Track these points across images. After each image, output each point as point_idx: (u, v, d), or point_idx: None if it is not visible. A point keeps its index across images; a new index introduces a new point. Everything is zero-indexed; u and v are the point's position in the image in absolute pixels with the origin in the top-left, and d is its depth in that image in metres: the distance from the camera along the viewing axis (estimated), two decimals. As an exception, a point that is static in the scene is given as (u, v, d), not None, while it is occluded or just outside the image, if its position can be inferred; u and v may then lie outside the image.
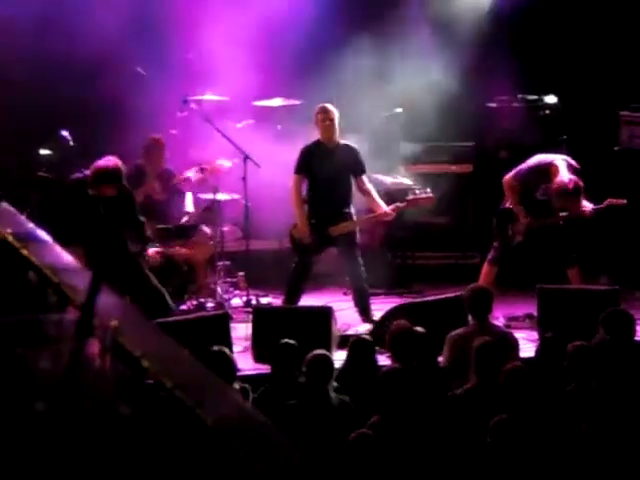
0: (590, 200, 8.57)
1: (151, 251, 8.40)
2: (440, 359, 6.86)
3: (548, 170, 8.46)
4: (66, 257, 2.52)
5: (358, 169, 8.65)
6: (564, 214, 8.59)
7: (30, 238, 2.56)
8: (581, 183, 8.33)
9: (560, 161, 8.48)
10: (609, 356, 6.22)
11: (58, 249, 2.69)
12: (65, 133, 8.07)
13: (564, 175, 8.32)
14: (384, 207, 8.62)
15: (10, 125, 9.01)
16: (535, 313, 8.16)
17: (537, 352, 6.72)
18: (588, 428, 5.41)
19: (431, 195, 8.72)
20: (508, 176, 8.67)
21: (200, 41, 10.22)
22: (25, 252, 2.36)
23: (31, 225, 2.76)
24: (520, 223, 8.67)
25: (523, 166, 8.65)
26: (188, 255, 8.95)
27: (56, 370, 2.12)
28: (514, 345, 6.96)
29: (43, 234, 2.76)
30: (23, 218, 2.86)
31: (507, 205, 8.78)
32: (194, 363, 2.09)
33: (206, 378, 2.04)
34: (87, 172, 7.75)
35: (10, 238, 2.43)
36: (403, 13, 10.26)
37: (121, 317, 2.15)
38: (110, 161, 7.75)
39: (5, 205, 2.89)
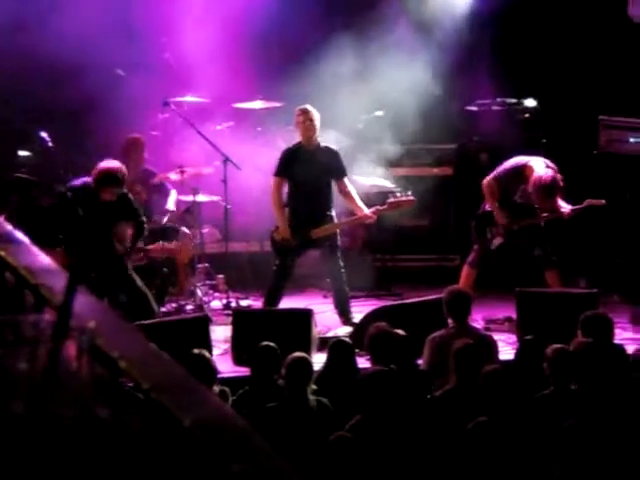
0: (569, 203, 8.60)
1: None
2: (420, 361, 6.86)
3: (523, 171, 8.49)
4: (44, 259, 2.50)
5: (339, 172, 8.64)
6: (544, 215, 8.61)
7: (7, 239, 2.55)
8: (558, 176, 8.36)
9: (536, 161, 8.53)
10: (588, 359, 6.23)
11: (36, 251, 2.68)
12: (44, 134, 8.03)
13: (540, 171, 8.35)
14: (365, 210, 8.62)
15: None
16: (514, 316, 8.18)
17: (516, 355, 6.73)
18: (567, 430, 5.41)
19: (412, 198, 8.72)
20: (487, 179, 8.70)
21: (180, 43, 10.20)
22: (2, 253, 2.35)
23: (8, 226, 2.74)
24: (499, 226, 8.70)
25: (500, 168, 8.68)
26: (168, 257, 8.93)
27: (33, 371, 2.11)
28: (493, 347, 6.97)
29: (21, 236, 2.74)
30: (1, 219, 2.84)
31: (486, 208, 8.80)
32: (172, 364, 2.08)
33: (184, 380, 2.03)
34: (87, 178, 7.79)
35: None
36: (383, 15, 10.27)
37: (98, 318, 2.14)
38: (112, 163, 7.79)
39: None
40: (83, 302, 2.17)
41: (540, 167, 8.41)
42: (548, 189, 8.31)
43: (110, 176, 7.73)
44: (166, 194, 9.29)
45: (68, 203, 7.69)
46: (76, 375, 2.09)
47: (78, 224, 7.61)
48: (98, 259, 7.77)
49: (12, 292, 2.40)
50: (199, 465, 1.83)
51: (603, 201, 8.62)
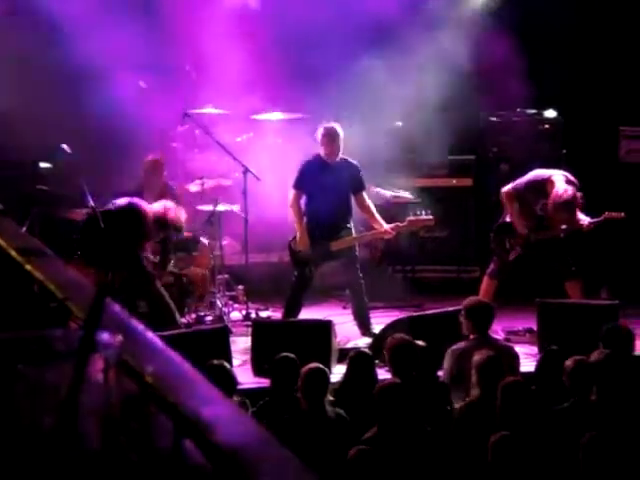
0: (589, 214, 8.57)
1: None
2: (440, 373, 6.84)
3: (545, 185, 8.46)
4: (70, 272, 2.52)
5: (358, 186, 8.65)
6: (563, 228, 8.58)
7: (33, 253, 2.57)
8: (578, 194, 8.33)
9: (558, 176, 8.48)
10: (608, 371, 6.21)
11: (61, 264, 2.70)
12: (65, 147, 8.07)
13: (560, 187, 8.32)
14: (384, 225, 8.62)
15: (10, 139, 9.02)
16: (535, 327, 8.16)
17: (538, 366, 6.70)
18: (587, 442, 5.39)
19: (431, 217, 8.70)
20: (506, 188, 8.67)
21: (200, 55, 10.25)
22: (29, 267, 2.36)
23: (34, 240, 2.77)
24: (518, 237, 8.67)
25: (520, 180, 8.64)
26: (188, 269, 8.96)
27: (61, 387, 2.12)
28: (514, 359, 6.95)
29: (46, 249, 2.76)
30: (26, 233, 2.86)
31: (505, 219, 8.77)
32: (198, 379, 2.09)
33: (211, 394, 2.04)
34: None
35: (14, 253, 2.43)
36: (405, 27, 10.27)
37: (125, 332, 2.15)
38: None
39: (8, 220, 2.89)
40: (110, 316, 2.19)
41: (561, 182, 8.36)
42: (567, 206, 8.28)
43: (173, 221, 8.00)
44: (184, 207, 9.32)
45: (95, 218, 7.77)
46: (103, 390, 2.10)
47: (104, 241, 7.68)
48: (124, 271, 7.82)
49: (40, 306, 2.42)
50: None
51: (622, 214, 8.57)
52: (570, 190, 8.28)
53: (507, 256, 8.71)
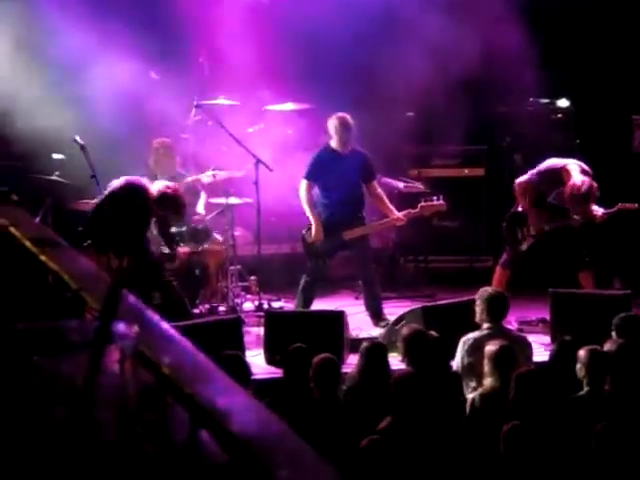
0: (603, 204, 8.54)
1: (180, 250, 8.49)
2: (452, 363, 6.84)
3: (560, 174, 8.44)
4: (84, 263, 2.52)
5: (369, 175, 8.66)
6: (576, 218, 8.55)
7: (48, 243, 2.57)
8: (595, 185, 8.30)
9: (573, 165, 8.45)
10: (622, 360, 6.19)
11: (75, 254, 2.70)
12: (78, 138, 8.08)
13: (577, 178, 8.29)
14: (396, 212, 8.62)
15: (22, 130, 9.04)
16: (548, 317, 8.14)
17: (552, 355, 6.69)
18: (600, 432, 5.38)
19: (443, 202, 8.69)
20: (520, 180, 8.65)
21: (212, 46, 10.24)
22: (43, 257, 2.37)
23: (48, 230, 2.77)
24: (530, 227, 8.64)
25: (535, 170, 8.62)
26: (200, 259, 8.97)
27: (76, 378, 2.12)
28: (528, 349, 6.94)
29: (60, 239, 2.76)
30: (40, 223, 2.87)
31: (517, 209, 8.75)
32: (216, 370, 2.09)
33: (228, 384, 2.04)
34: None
35: (28, 243, 2.43)
36: (416, 15, 10.23)
37: (141, 323, 2.15)
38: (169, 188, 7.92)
39: (22, 210, 2.89)
40: (126, 307, 2.19)
41: (576, 172, 8.34)
42: (584, 197, 8.26)
43: (174, 201, 7.88)
44: (196, 197, 9.32)
45: (103, 208, 7.75)
46: (120, 381, 2.10)
47: (112, 225, 7.66)
48: (133, 260, 7.81)
49: (54, 296, 2.42)
50: (245, 472, 1.83)
51: (636, 205, 8.54)
52: (587, 181, 8.26)
53: (520, 246, 8.69)
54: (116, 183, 7.90)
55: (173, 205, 7.91)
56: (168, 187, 7.95)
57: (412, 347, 6.47)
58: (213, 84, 10.21)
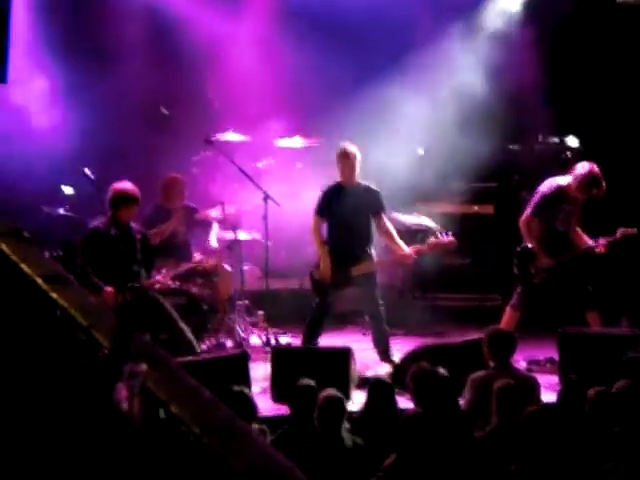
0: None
1: (158, 277, 8.24)
2: (461, 401, 6.80)
3: (560, 190, 8.49)
4: (94, 300, 2.53)
5: (378, 210, 8.65)
6: (583, 248, 8.55)
7: (58, 280, 2.57)
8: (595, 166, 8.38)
9: (564, 177, 8.55)
10: (630, 401, 6.16)
11: (85, 291, 2.71)
12: (88, 171, 8.12)
13: (577, 168, 8.36)
14: (405, 248, 8.60)
15: (36, 164, 9.12)
16: (556, 357, 8.11)
17: (560, 396, 6.65)
18: (608, 473, 5.35)
19: (452, 239, 8.68)
20: (524, 216, 8.64)
21: (222, 81, 10.32)
22: (54, 295, 2.37)
23: (59, 266, 2.78)
24: (541, 260, 8.63)
25: (535, 199, 8.63)
26: (209, 294, 8.97)
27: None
28: (536, 388, 6.90)
29: (70, 276, 2.77)
30: (50, 259, 2.88)
31: (526, 245, 8.73)
32: (221, 408, 2.08)
33: (233, 424, 2.03)
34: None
35: (39, 280, 2.44)
36: (426, 54, 10.31)
37: (149, 361, 2.15)
38: (125, 184, 7.88)
39: (33, 247, 2.90)
40: (135, 344, 2.19)
41: (568, 175, 8.43)
42: (594, 180, 8.34)
43: (125, 196, 7.84)
44: (208, 230, 9.34)
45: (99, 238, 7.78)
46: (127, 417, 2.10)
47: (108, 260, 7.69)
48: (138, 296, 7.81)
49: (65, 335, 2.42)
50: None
51: (635, 230, 8.54)
52: (587, 165, 8.33)
53: (532, 281, 8.65)
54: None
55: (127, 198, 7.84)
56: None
57: (420, 385, 6.43)
58: (222, 119, 10.26)
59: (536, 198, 8.62)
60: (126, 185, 7.91)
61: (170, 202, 9.04)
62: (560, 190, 8.51)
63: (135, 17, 10.17)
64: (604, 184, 8.45)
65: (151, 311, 7.84)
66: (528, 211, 8.62)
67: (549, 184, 8.62)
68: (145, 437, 2.21)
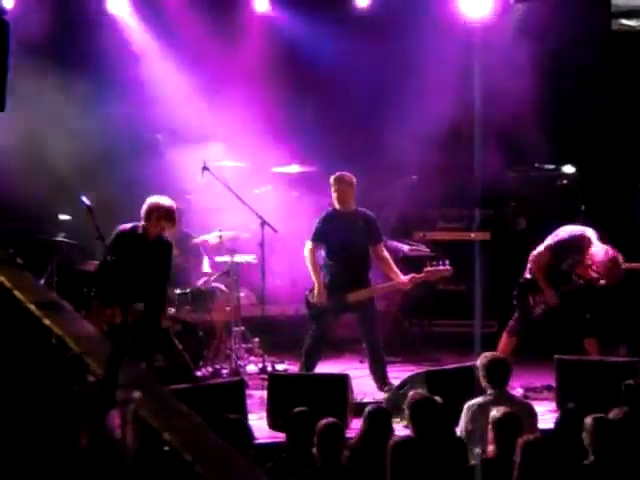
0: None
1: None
2: (457, 429, 6.78)
3: (581, 242, 8.45)
4: (88, 326, 2.52)
5: (375, 237, 8.66)
6: (580, 282, 8.56)
7: (52, 306, 2.57)
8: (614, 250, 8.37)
9: (590, 232, 8.50)
10: (628, 429, 6.13)
11: (79, 318, 2.70)
12: (85, 198, 8.13)
13: (599, 246, 8.34)
14: (401, 276, 8.61)
15: (30, 191, 9.13)
16: (553, 384, 8.09)
17: (556, 424, 6.63)
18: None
19: (449, 268, 8.69)
20: (537, 251, 8.59)
21: (218, 108, 10.35)
22: (47, 321, 2.37)
23: (53, 293, 2.77)
24: (542, 294, 8.62)
25: (554, 240, 8.57)
26: (207, 320, 8.96)
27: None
28: (532, 416, 6.88)
29: (64, 302, 2.77)
30: (44, 285, 2.87)
31: (527, 276, 8.72)
32: (214, 437, 2.07)
33: (226, 452, 2.02)
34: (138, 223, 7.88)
35: (33, 307, 2.44)
36: (423, 78, 10.35)
37: (142, 388, 2.14)
38: (163, 199, 7.91)
39: (26, 273, 2.89)
40: (128, 371, 2.18)
41: (596, 240, 8.40)
42: (614, 261, 8.30)
43: (155, 210, 7.86)
44: (201, 257, 9.35)
45: (109, 266, 7.75)
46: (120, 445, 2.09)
47: (118, 284, 7.65)
48: (143, 316, 7.78)
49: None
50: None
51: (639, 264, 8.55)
52: (609, 248, 8.32)
53: (531, 312, 8.65)
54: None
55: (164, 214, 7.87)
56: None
57: (418, 413, 6.40)
58: (221, 145, 10.30)
59: (555, 240, 8.56)
60: (160, 200, 7.93)
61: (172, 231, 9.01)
62: (580, 243, 8.47)
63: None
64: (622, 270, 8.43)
65: (154, 337, 7.81)
66: (543, 248, 8.57)
67: (571, 232, 8.55)
68: (138, 465, 2.19)
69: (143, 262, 7.76)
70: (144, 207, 7.90)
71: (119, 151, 9.69)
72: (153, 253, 7.87)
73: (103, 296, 7.64)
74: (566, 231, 8.60)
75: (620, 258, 8.35)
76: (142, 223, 7.89)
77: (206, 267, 9.33)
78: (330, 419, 6.09)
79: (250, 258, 9.24)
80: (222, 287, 9.26)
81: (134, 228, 7.91)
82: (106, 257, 7.71)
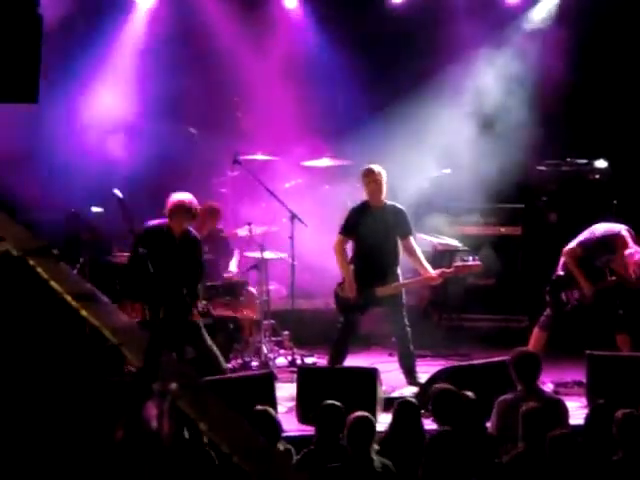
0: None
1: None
2: (488, 424, 6.76)
3: (615, 240, 8.41)
4: (123, 317, 2.54)
5: (405, 231, 8.64)
6: (613, 279, 8.51)
7: (88, 298, 2.59)
8: None
9: (625, 232, 8.45)
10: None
11: (115, 309, 2.72)
12: (117, 191, 8.17)
13: (633, 248, 8.30)
14: (430, 271, 8.58)
15: (66, 184, 9.21)
16: (584, 380, 8.05)
17: (587, 420, 6.60)
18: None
19: (479, 263, 8.66)
20: (571, 246, 8.56)
21: (251, 102, 10.38)
22: (84, 313, 2.39)
23: (89, 284, 2.79)
24: (575, 290, 8.58)
25: (588, 236, 8.52)
26: (235, 314, 8.98)
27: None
28: (563, 411, 6.85)
29: (100, 293, 2.79)
30: (80, 277, 2.89)
31: (559, 273, 8.68)
32: (249, 429, 2.08)
33: (261, 445, 2.04)
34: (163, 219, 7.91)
35: (69, 298, 2.46)
36: (448, 74, 10.33)
37: (179, 379, 2.16)
38: (183, 195, 7.93)
39: (62, 264, 2.92)
40: (165, 363, 2.20)
41: (631, 241, 8.36)
42: None
43: (180, 206, 7.90)
44: (230, 254, 9.36)
45: (140, 259, 7.78)
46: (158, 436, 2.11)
47: (150, 278, 7.68)
48: (172, 311, 7.82)
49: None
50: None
51: None
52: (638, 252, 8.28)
53: (564, 309, 8.62)
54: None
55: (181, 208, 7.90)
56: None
57: (441, 406, 6.41)
58: (252, 139, 10.32)
59: (588, 237, 8.52)
60: (181, 196, 7.97)
61: (203, 229, 9.00)
62: (614, 242, 8.43)
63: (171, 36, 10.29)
64: None
65: (184, 330, 7.85)
66: (575, 243, 8.53)
67: (606, 230, 8.51)
68: (174, 456, 2.21)
69: (171, 258, 7.80)
70: (167, 205, 7.94)
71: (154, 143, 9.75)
72: (181, 249, 7.91)
73: (132, 292, 7.69)
74: (601, 229, 8.55)
75: None
76: (167, 220, 7.94)
77: (233, 266, 9.34)
78: (361, 412, 6.10)
79: (281, 254, 9.25)
80: (251, 283, 9.28)
81: (160, 225, 7.95)
82: (134, 252, 7.76)
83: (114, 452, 2.12)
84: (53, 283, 2.58)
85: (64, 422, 2.22)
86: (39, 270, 2.63)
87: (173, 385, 2.10)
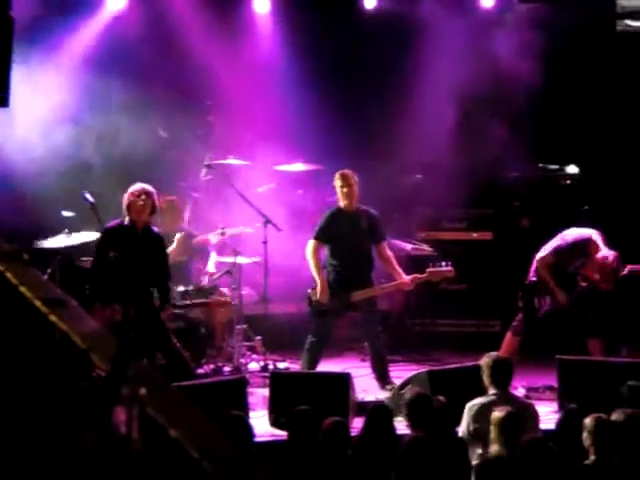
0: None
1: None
2: (458, 429, 6.78)
3: (587, 245, 8.45)
4: (93, 323, 2.53)
5: (378, 236, 8.66)
6: (584, 285, 8.56)
7: (58, 303, 2.57)
8: (618, 257, 8.37)
9: (596, 236, 8.50)
10: (631, 430, 6.13)
11: (84, 314, 2.70)
12: (88, 194, 8.13)
13: (605, 251, 8.35)
14: (403, 276, 8.61)
15: (34, 188, 9.14)
16: (555, 384, 8.09)
17: (558, 424, 6.63)
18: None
19: (451, 269, 8.70)
20: (543, 255, 8.60)
21: (223, 106, 10.35)
22: (53, 318, 2.37)
23: (58, 289, 2.77)
24: (547, 296, 8.62)
25: (560, 243, 8.57)
26: (206, 318, 8.96)
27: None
28: (534, 416, 6.88)
29: (70, 299, 2.77)
30: (50, 282, 2.87)
31: (532, 279, 8.72)
32: (220, 434, 2.07)
33: (232, 450, 2.03)
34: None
35: (38, 303, 2.44)
36: (421, 78, 10.36)
37: (148, 384, 2.14)
38: (135, 185, 7.91)
39: (32, 269, 2.90)
40: (134, 367, 2.18)
41: (602, 244, 8.41)
42: (615, 270, 8.29)
43: (131, 195, 7.86)
44: (206, 256, 9.34)
45: (107, 262, 7.73)
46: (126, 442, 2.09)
47: (119, 280, 7.64)
48: (141, 312, 7.77)
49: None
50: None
51: None
52: (614, 254, 8.32)
53: (536, 314, 8.65)
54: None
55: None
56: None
57: (415, 411, 6.42)
58: (224, 143, 10.30)
59: (561, 243, 8.56)
60: (134, 186, 7.93)
61: (165, 226, 9.00)
62: (586, 247, 8.47)
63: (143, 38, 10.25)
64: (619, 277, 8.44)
65: (154, 334, 7.80)
66: (549, 251, 8.57)
67: (578, 235, 8.56)
68: (143, 461, 2.20)
69: (134, 255, 7.74)
70: (125, 198, 7.89)
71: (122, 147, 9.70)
72: (143, 245, 7.83)
73: (100, 296, 7.63)
74: (573, 234, 8.59)
75: (619, 267, 8.34)
76: (126, 217, 7.87)
77: (211, 266, 9.31)
78: (335, 418, 6.10)
79: (254, 259, 9.23)
80: (224, 287, 9.26)
81: (120, 223, 7.90)
82: (99, 255, 7.73)
83: (84, 457, 2.10)
84: (22, 288, 2.57)
85: (33, 427, 2.20)
86: (8, 275, 2.61)
87: (142, 390, 2.08)
